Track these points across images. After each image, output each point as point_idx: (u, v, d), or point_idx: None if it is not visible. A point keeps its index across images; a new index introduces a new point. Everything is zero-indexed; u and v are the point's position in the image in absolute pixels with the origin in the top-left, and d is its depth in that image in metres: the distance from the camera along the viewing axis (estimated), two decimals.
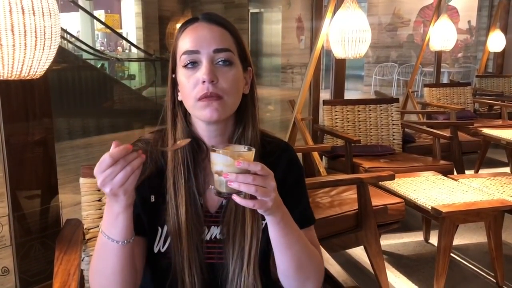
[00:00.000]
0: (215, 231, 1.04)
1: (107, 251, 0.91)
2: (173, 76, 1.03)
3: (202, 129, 1.04)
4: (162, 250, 1.03)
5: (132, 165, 0.82)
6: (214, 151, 0.88)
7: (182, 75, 0.98)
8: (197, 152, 1.04)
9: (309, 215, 1.10)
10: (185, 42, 0.98)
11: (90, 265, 0.99)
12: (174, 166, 1.01)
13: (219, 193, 0.88)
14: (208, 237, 1.03)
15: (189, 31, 0.99)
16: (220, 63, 0.97)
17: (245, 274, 1.00)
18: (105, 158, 0.81)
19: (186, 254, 0.99)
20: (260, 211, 0.89)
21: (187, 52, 0.97)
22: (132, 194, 0.86)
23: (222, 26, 0.99)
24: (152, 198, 1.03)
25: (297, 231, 0.97)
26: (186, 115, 1.04)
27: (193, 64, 0.97)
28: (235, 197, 0.85)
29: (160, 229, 1.03)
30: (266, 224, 1.00)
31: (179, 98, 1.03)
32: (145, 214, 1.02)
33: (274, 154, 1.08)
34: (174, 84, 1.03)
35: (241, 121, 1.04)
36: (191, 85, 0.96)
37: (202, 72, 0.95)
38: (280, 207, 0.91)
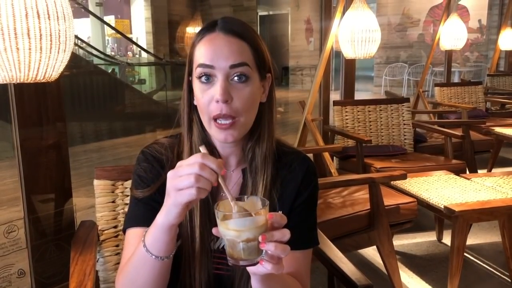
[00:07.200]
0: (223, 242, 1.01)
1: (145, 264, 0.89)
2: (190, 79, 1.00)
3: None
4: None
5: (207, 175, 0.78)
6: (238, 215, 0.73)
7: (197, 87, 0.96)
8: None
9: (312, 236, 1.05)
10: (201, 54, 0.94)
11: (120, 269, 0.97)
12: None
13: (244, 263, 0.74)
14: (216, 246, 1.02)
15: (206, 41, 0.95)
16: (236, 79, 0.93)
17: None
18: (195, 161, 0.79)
19: (198, 260, 0.97)
20: (255, 271, 0.81)
21: (202, 66, 0.94)
22: (184, 214, 0.83)
23: (240, 37, 0.95)
24: None
25: (281, 281, 0.91)
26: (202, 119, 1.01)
27: (208, 79, 0.94)
28: (265, 264, 0.77)
29: None
30: None
31: (195, 102, 1.00)
32: None
33: (291, 166, 1.04)
34: (191, 87, 1.00)
35: (256, 129, 1.00)
36: (205, 101, 0.94)
37: (216, 91, 0.92)
38: None
